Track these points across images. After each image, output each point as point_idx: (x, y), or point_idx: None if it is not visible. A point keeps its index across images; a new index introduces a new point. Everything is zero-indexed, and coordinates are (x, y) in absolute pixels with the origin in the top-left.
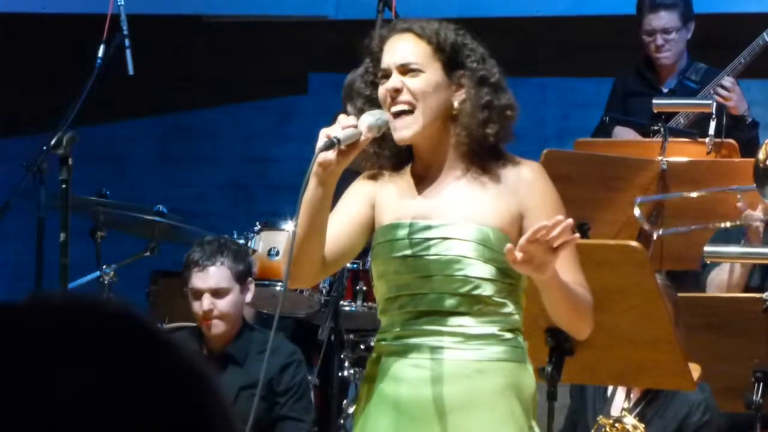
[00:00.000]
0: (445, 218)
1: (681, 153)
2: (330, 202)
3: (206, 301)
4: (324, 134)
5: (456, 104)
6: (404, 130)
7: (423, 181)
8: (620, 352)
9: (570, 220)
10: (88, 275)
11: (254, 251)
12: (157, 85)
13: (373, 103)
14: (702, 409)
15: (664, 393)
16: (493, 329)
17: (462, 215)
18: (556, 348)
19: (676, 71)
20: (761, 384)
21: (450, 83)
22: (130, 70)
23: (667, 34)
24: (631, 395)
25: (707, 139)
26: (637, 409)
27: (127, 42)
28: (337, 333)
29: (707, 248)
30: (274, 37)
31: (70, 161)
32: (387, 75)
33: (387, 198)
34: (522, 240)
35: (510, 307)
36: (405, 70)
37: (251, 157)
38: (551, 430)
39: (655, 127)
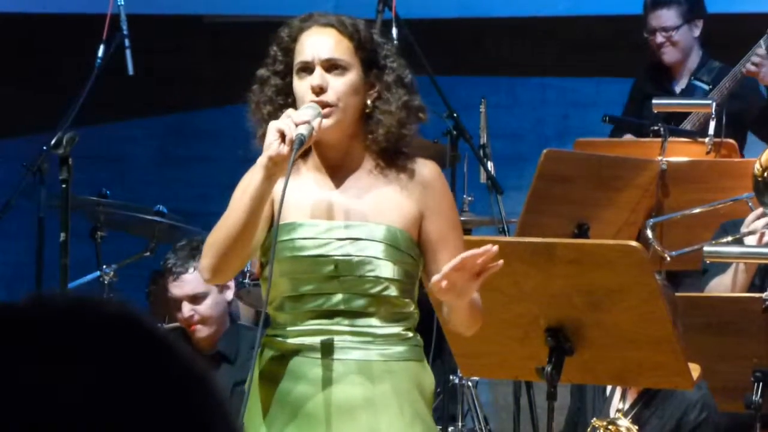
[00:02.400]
0: (354, 218)
1: (681, 153)
2: (269, 198)
3: (186, 309)
4: (275, 128)
5: (369, 102)
6: (328, 119)
7: (329, 177)
8: (620, 352)
9: (496, 248)
10: (88, 275)
11: None
12: (157, 85)
13: (281, 92)
14: (699, 407)
15: (662, 392)
16: (398, 329)
17: (371, 215)
18: (556, 348)
19: (687, 71)
20: (761, 384)
21: (366, 81)
22: (130, 70)
23: (666, 33)
24: (627, 396)
25: (707, 139)
26: (634, 410)
27: (127, 42)
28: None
29: (707, 248)
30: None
31: (70, 161)
32: (307, 68)
33: (293, 195)
34: (446, 268)
35: (411, 306)
36: (330, 65)
37: (251, 158)
38: (551, 430)
39: (654, 128)
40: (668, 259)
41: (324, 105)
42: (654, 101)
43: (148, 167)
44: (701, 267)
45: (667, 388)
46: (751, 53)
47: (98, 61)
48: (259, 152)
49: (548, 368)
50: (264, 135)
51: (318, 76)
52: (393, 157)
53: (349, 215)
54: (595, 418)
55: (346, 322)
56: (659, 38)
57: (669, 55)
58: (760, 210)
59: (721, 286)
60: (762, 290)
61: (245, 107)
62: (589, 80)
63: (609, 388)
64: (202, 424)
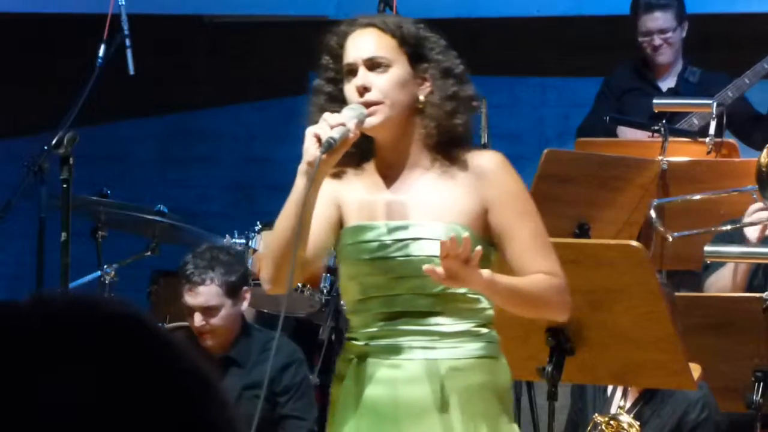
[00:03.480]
0: (414, 217)
1: (681, 153)
2: (315, 203)
3: (197, 318)
4: (311, 133)
5: (421, 97)
6: (374, 116)
7: (389, 177)
8: (620, 352)
9: (450, 239)
10: (89, 275)
11: (255, 251)
12: (158, 85)
13: (335, 100)
14: (700, 407)
15: (662, 391)
16: (468, 326)
17: (431, 213)
18: (556, 348)
19: (673, 70)
20: (761, 384)
21: (415, 76)
22: (131, 70)
23: (664, 35)
24: (628, 394)
25: (707, 139)
26: (636, 409)
27: (127, 42)
28: (337, 332)
29: (707, 248)
30: (274, 37)
31: (71, 161)
32: (352, 70)
33: (353, 197)
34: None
35: (483, 302)
36: (372, 64)
37: (251, 157)
38: (551, 430)
39: (656, 127)
40: (670, 239)
41: (369, 104)
42: (654, 101)
43: (149, 167)
44: (702, 266)
45: (668, 388)
46: (759, 66)
47: (99, 61)
48: (262, 151)
49: (549, 368)
50: None
51: (361, 76)
52: (450, 152)
53: (409, 215)
54: (596, 414)
55: (412, 322)
56: (657, 40)
57: (665, 56)
58: (759, 204)
59: (720, 279)
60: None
61: (245, 107)
62: (589, 80)
63: (610, 387)
64: (205, 424)
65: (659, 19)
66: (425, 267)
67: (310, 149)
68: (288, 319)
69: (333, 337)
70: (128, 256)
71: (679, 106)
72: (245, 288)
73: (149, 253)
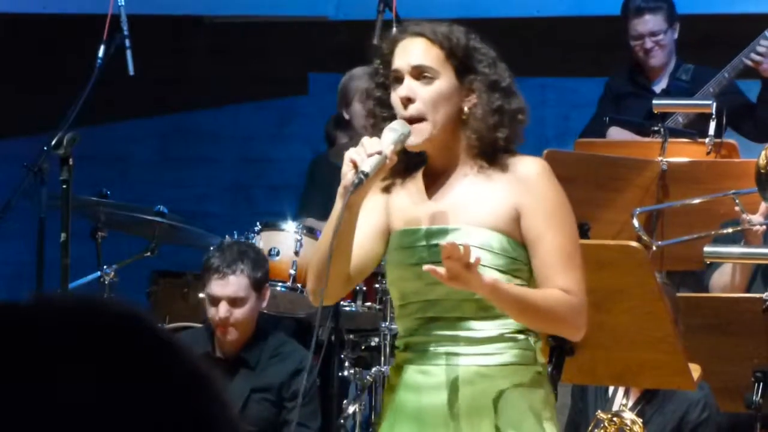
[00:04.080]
0: (452, 223)
1: (681, 153)
2: (356, 223)
3: (223, 309)
4: (348, 158)
5: (466, 109)
6: (415, 136)
7: (433, 184)
8: (620, 353)
9: (451, 243)
10: (89, 275)
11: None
12: (157, 85)
13: (383, 104)
14: (701, 407)
15: (664, 391)
16: (503, 332)
17: (470, 219)
18: (557, 348)
19: (666, 71)
20: (761, 384)
21: (461, 88)
22: (131, 70)
23: (655, 37)
24: (630, 393)
25: (707, 140)
26: (638, 408)
27: (127, 42)
28: (337, 333)
29: (707, 248)
30: (274, 37)
31: (70, 161)
32: (399, 77)
33: (399, 204)
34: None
35: None
36: (418, 73)
37: (251, 158)
38: None
39: (655, 128)
40: (654, 248)
41: (412, 120)
42: (654, 102)
43: (149, 167)
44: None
45: (668, 388)
46: (753, 45)
47: (99, 61)
48: (262, 151)
49: (549, 368)
50: None
51: (405, 86)
52: (496, 162)
53: (447, 220)
54: (599, 411)
55: (451, 327)
56: (648, 43)
57: (657, 58)
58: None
59: (721, 278)
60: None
61: (245, 107)
62: (589, 80)
63: (611, 387)
64: (205, 424)
65: (649, 22)
66: (425, 267)
67: (348, 174)
68: (288, 319)
69: (332, 337)
70: (128, 257)
71: (679, 107)
72: (266, 285)
73: (149, 254)
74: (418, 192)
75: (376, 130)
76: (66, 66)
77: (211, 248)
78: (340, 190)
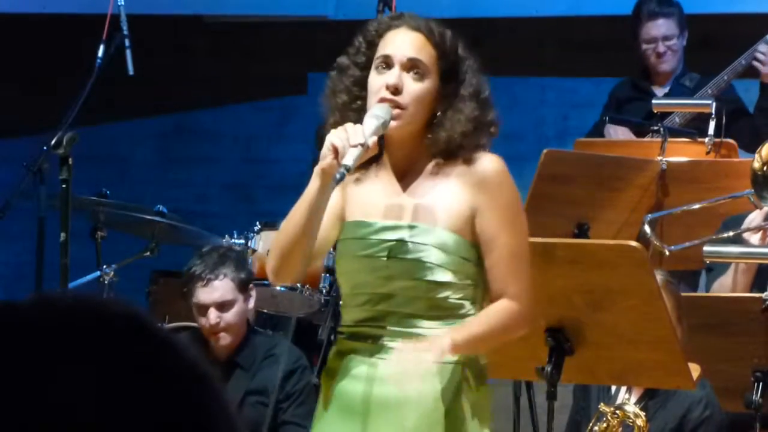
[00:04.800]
0: (410, 219)
1: (681, 153)
2: (326, 206)
3: (212, 315)
4: (330, 142)
5: (439, 113)
6: (396, 122)
7: (392, 178)
8: (620, 352)
9: (402, 352)
10: (89, 275)
11: (254, 251)
12: (157, 85)
13: (358, 83)
14: (703, 405)
15: (666, 389)
16: (447, 331)
17: (424, 218)
18: (556, 348)
19: (672, 77)
20: (761, 384)
21: (441, 91)
22: (130, 70)
23: (668, 41)
24: (633, 390)
25: (707, 139)
26: (641, 405)
27: (127, 42)
28: (337, 333)
29: (707, 248)
30: (274, 37)
31: (70, 161)
32: (387, 63)
33: (355, 194)
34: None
35: (466, 308)
36: (410, 66)
37: (251, 157)
38: (551, 430)
39: (654, 128)
40: (667, 253)
41: (395, 105)
42: (654, 101)
43: (148, 167)
44: (705, 266)
45: (667, 388)
46: (753, 49)
47: (98, 61)
48: (262, 151)
49: (548, 368)
50: (335, 123)
51: (396, 75)
52: (456, 161)
53: (405, 216)
54: (602, 404)
55: (397, 322)
56: (661, 47)
57: (669, 63)
58: (765, 209)
59: (722, 287)
60: (764, 291)
61: (245, 107)
62: (589, 80)
63: (613, 386)
64: (204, 423)
65: (663, 26)
66: (396, 348)
67: (327, 158)
68: (287, 319)
69: (332, 337)
70: (128, 256)
71: (677, 107)
72: (251, 285)
73: (149, 254)
74: (375, 185)
75: (346, 109)
76: (66, 66)
77: (192, 258)
78: (317, 169)
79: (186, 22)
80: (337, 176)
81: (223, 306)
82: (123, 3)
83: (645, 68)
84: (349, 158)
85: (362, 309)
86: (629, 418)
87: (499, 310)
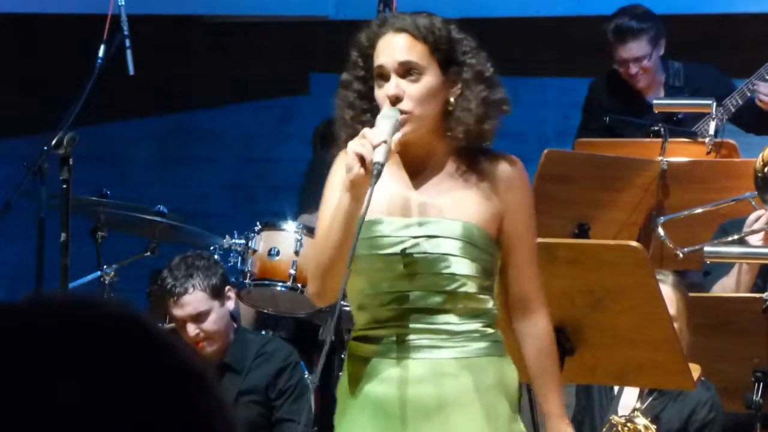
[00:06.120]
0: (431, 215)
1: (681, 153)
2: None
3: (191, 329)
4: (353, 152)
5: (452, 100)
6: (404, 127)
7: (410, 174)
8: (620, 352)
9: None
10: (89, 275)
11: (255, 251)
12: (157, 85)
13: (364, 97)
14: (708, 407)
15: (671, 389)
16: (476, 325)
17: (447, 212)
18: (557, 348)
19: (657, 84)
20: (761, 384)
21: (447, 80)
22: (131, 70)
23: (639, 63)
24: (638, 390)
25: (707, 139)
26: (646, 403)
27: (127, 42)
28: (337, 333)
29: (707, 248)
30: (274, 37)
31: (70, 161)
32: (383, 74)
33: (375, 192)
34: None
35: (491, 303)
36: (404, 70)
37: (251, 158)
38: None
39: (655, 128)
40: (681, 256)
41: (401, 112)
42: (654, 102)
43: (148, 167)
44: (703, 268)
45: (667, 388)
46: (759, 74)
47: (99, 61)
48: (262, 151)
49: None
50: (347, 140)
51: (393, 85)
52: (475, 157)
53: (425, 212)
54: (613, 415)
55: (423, 320)
56: (633, 69)
57: (643, 81)
58: (761, 211)
59: (723, 289)
60: (764, 291)
61: (245, 107)
62: (589, 80)
63: (616, 387)
64: (202, 423)
65: (632, 48)
66: None
67: (354, 168)
68: (287, 319)
69: (332, 337)
70: (128, 257)
71: (679, 107)
72: (227, 287)
73: (149, 254)
74: (396, 182)
75: (355, 122)
76: (66, 66)
77: (162, 272)
78: (346, 182)
79: (186, 22)
80: (374, 172)
81: (198, 318)
82: (123, 3)
83: (626, 82)
84: (379, 155)
85: (386, 309)
86: (640, 431)
87: (549, 343)
